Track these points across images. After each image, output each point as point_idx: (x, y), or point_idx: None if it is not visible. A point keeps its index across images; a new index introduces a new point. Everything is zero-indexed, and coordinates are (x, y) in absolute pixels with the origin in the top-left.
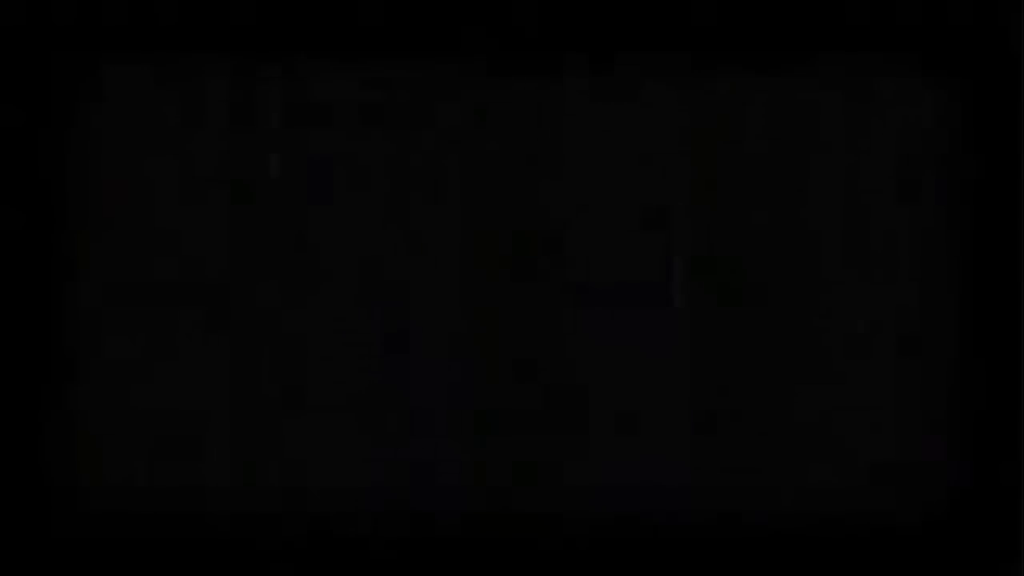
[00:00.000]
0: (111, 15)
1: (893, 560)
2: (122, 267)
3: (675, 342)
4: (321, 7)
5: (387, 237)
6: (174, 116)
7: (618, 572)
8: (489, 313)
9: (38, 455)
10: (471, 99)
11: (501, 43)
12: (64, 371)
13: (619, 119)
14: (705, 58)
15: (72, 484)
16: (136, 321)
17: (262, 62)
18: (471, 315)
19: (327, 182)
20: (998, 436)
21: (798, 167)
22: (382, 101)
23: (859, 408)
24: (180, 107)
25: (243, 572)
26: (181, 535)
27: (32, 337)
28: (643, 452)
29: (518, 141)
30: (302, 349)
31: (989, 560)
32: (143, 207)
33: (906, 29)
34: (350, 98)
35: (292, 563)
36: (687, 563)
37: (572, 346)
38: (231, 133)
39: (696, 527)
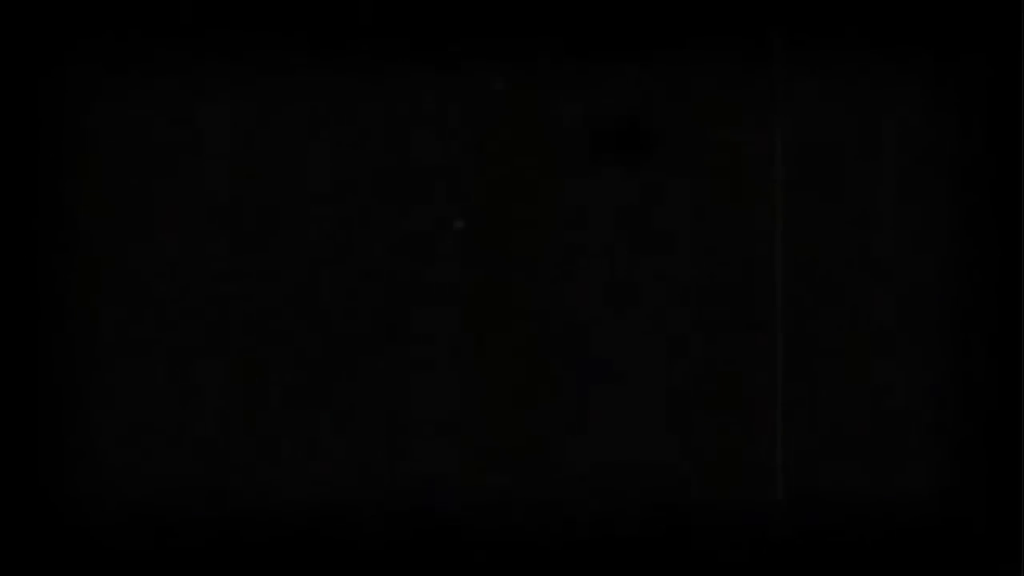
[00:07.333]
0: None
1: (894, 560)
2: (121, 267)
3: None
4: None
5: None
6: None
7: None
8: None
9: (38, 455)
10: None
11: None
12: (64, 372)
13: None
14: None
15: (71, 484)
16: (136, 322)
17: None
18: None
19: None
20: (998, 436)
21: (799, 166)
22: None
23: (860, 408)
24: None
25: (243, 572)
26: (180, 535)
27: (32, 337)
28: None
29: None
30: (305, 353)
31: (990, 560)
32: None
33: (907, 27)
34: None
35: (292, 563)
36: (684, 553)
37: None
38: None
39: (690, 516)
